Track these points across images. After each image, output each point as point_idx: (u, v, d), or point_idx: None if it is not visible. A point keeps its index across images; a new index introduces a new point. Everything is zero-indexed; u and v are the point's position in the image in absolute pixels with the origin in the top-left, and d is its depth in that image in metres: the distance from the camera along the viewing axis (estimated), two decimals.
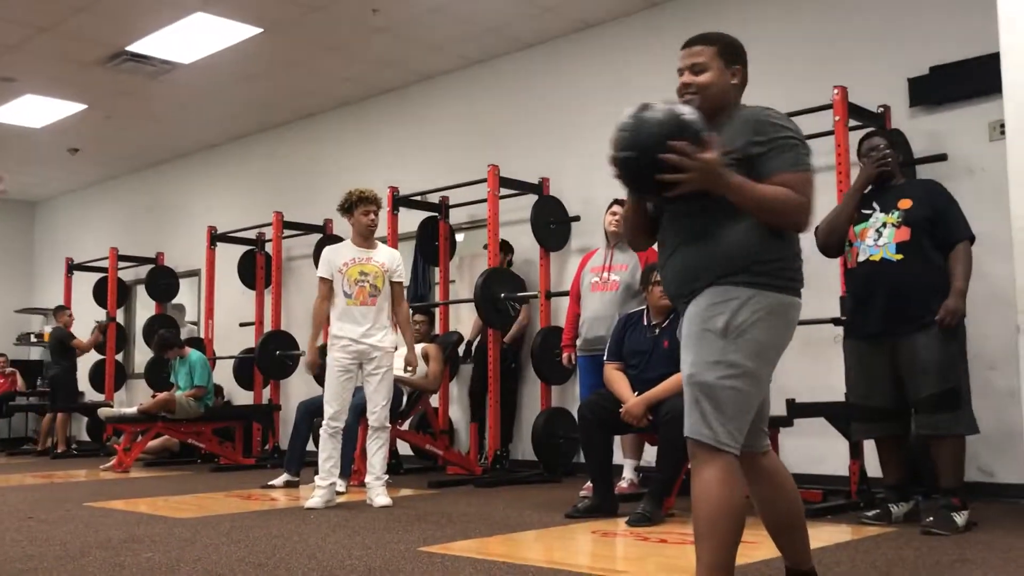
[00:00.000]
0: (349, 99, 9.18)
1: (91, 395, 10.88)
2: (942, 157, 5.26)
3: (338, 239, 7.73)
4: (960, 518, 4.05)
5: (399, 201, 7.60)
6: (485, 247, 7.09)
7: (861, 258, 4.39)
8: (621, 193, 5.62)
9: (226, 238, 9.49)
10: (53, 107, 9.26)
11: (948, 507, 4.07)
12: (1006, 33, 4.29)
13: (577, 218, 7.12)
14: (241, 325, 9.51)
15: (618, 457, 5.42)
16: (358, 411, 5.58)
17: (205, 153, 10.99)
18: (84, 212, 12.88)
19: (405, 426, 6.96)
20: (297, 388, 8.81)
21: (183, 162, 11.30)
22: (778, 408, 3.95)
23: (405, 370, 5.56)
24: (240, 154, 10.58)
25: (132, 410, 8.19)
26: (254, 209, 9.84)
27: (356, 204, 5.32)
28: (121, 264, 10.70)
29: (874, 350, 4.35)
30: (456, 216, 7.86)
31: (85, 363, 10.61)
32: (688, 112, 2.33)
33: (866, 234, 4.38)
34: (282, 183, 9.92)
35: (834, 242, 4.54)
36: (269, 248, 9.25)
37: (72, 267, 11.17)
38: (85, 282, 11.07)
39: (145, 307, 11.22)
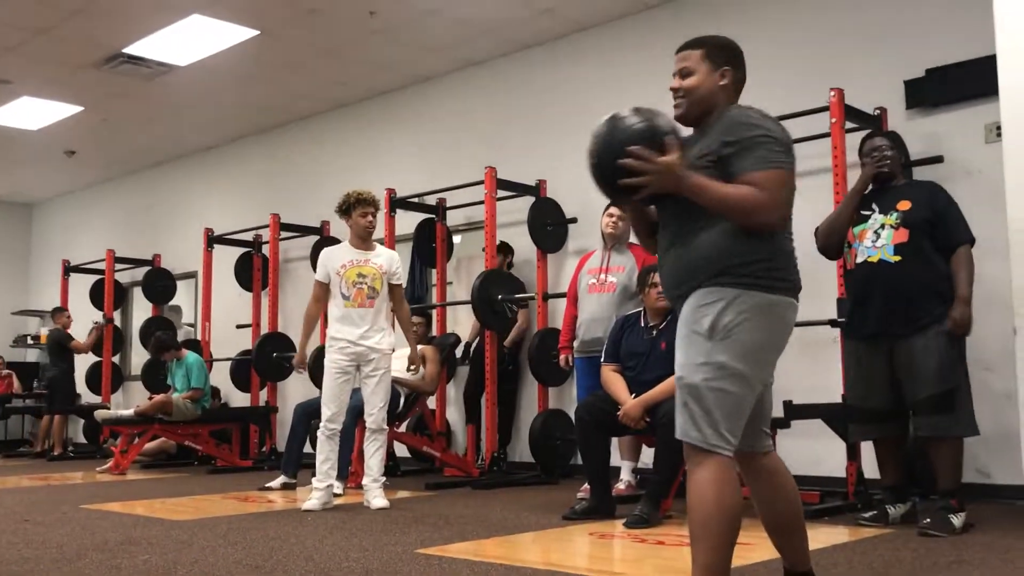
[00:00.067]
0: (346, 101, 9.18)
1: (88, 397, 10.86)
2: (938, 159, 5.27)
3: (335, 241, 7.73)
4: (957, 520, 4.05)
5: (396, 203, 7.60)
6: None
7: (859, 259, 4.39)
8: None
9: (223, 240, 9.49)
10: (50, 109, 9.26)
11: (945, 508, 4.07)
12: (1002, 35, 4.30)
13: (574, 220, 7.13)
14: (238, 327, 9.51)
15: (615, 459, 5.42)
16: (355, 413, 5.58)
17: (202, 155, 10.99)
18: (81, 214, 12.86)
19: (402, 428, 6.96)
20: (294, 390, 8.80)
21: (180, 164, 11.30)
22: (775, 410, 3.95)
23: (408, 368, 5.58)
24: (237, 156, 10.57)
25: (129, 412, 8.17)
26: (251, 211, 9.83)
27: (354, 206, 5.32)
28: (118, 266, 10.69)
29: (872, 351, 4.35)
30: (453, 218, 7.86)
31: (82, 365, 10.59)
32: (648, 118, 2.40)
33: (865, 235, 4.38)
34: (279, 185, 9.91)
35: (833, 244, 4.54)
36: (266, 250, 9.25)
37: (69, 269, 11.16)
38: (82, 284, 11.05)
39: (142, 309, 11.21)
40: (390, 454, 6.85)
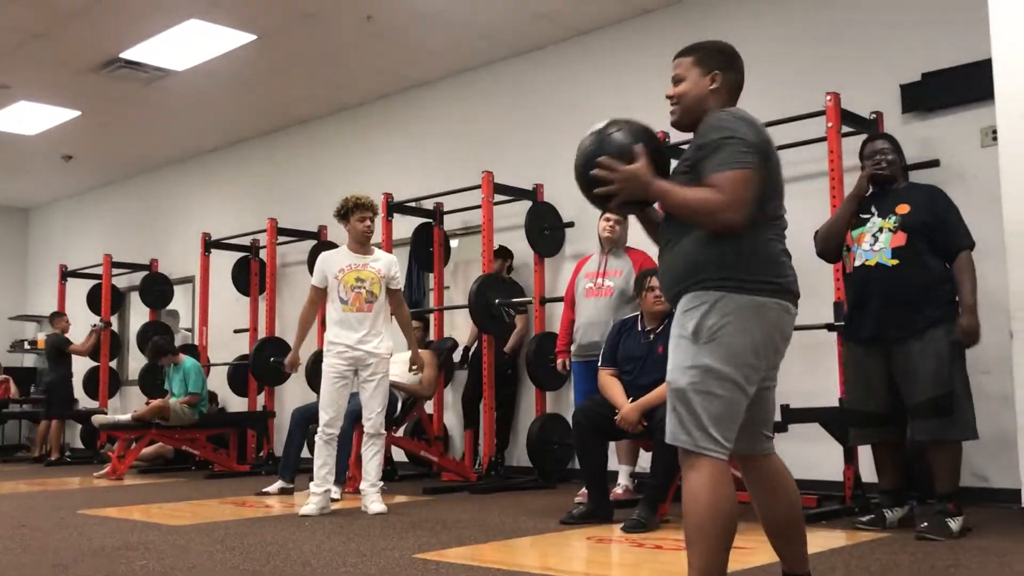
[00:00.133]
0: (343, 105, 9.18)
1: (85, 402, 10.85)
2: (934, 163, 5.28)
3: (332, 245, 7.72)
4: (955, 523, 4.05)
5: (394, 207, 7.61)
6: (494, 253, 7.09)
7: (857, 263, 4.39)
8: None
9: (220, 245, 9.49)
10: (47, 114, 9.25)
11: (943, 512, 4.07)
12: (998, 40, 4.32)
13: (571, 224, 7.13)
14: (235, 332, 9.50)
15: (613, 463, 5.42)
16: (353, 418, 5.58)
17: (199, 159, 10.99)
18: (78, 219, 12.86)
19: (400, 433, 6.95)
20: (292, 395, 8.80)
21: (177, 169, 11.29)
22: None
23: (410, 369, 5.60)
24: (234, 160, 10.57)
25: (126, 417, 8.17)
26: (248, 215, 9.84)
27: (352, 211, 5.33)
28: (115, 271, 10.68)
29: (870, 355, 4.35)
30: (451, 222, 7.87)
31: (79, 370, 10.59)
32: (620, 129, 2.50)
33: (863, 239, 4.38)
34: (276, 189, 9.91)
35: (831, 247, 4.55)
36: (263, 255, 9.25)
37: (66, 274, 11.15)
38: (79, 289, 11.04)
39: (139, 314, 11.20)
40: (388, 459, 6.85)
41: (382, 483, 5.33)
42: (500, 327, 6.81)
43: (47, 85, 8.50)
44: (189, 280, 10.58)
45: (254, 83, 8.50)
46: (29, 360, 13.04)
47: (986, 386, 4.82)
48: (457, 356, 7.56)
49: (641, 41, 7.02)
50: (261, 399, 9.01)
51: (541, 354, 6.60)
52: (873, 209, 4.41)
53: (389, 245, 7.42)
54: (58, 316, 10.48)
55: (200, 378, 8.22)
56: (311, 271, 5.82)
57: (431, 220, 7.78)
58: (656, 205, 2.57)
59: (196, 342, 9.67)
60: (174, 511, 5.54)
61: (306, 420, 6.34)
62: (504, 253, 7.33)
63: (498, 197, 7.01)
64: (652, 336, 4.78)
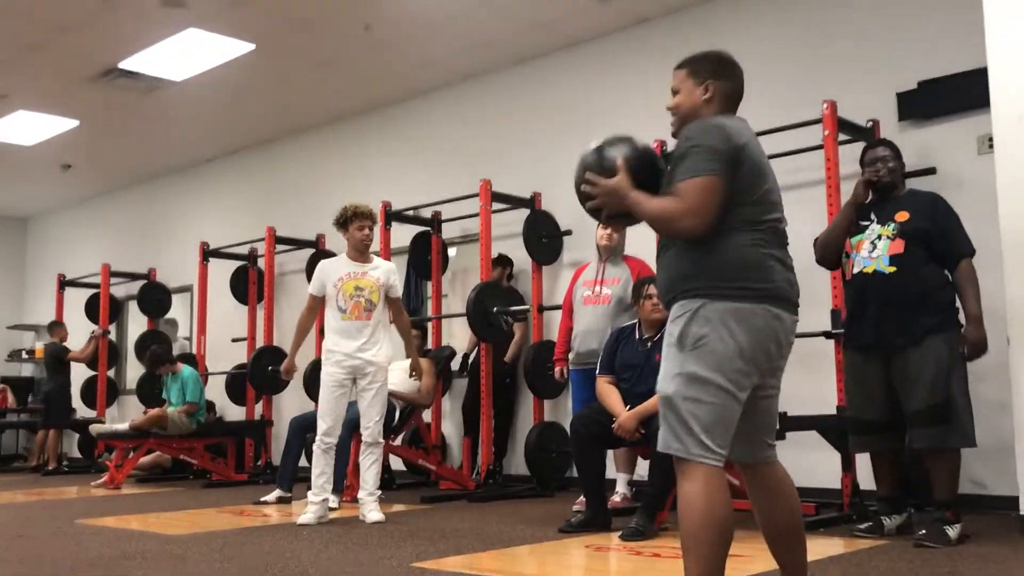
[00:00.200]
0: (341, 114, 9.20)
1: (82, 411, 10.83)
2: (931, 171, 5.29)
3: (331, 254, 7.73)
4: (953, 531, 4.05)
5: (392, 216, 7.61)
6: (493, 260, 7.10)
7: (856, 270, 4.40)
8: None
9: (218, 253, 9.49)
10: (45, 123, 9.26)
11: (941, 520, 4.07)
12: (993, 48, 4.33)
13: (569, 232, 7.14)
14: (233, 341, 9.50)
15: (611, 471, 5.41)
16: (351, 426, 5.58)
17: (197, 169, 10.99)
18: (76, 228, 12.86)
19: (397, 441, 6.95)
20: (289, 404, 8.79)
21: (175, 178, 11.30)
22: None
23: (411, 375, 5.60)
24: (232, 169, 10.58)
25: (124, 426, 8.15)
26: (246, 224, 9.84)
27: (351, 219, 5.33)
28: (113, 280, 10.68)
29: (869, 362, 4.35)
30: (449, 231, 7.87)
31: (77, 379, 10.57)
32: (607, 144, 2.56)
33: (862, 246, 4.39)
34: (274, 198, 9.92)
35: (830, 254, 4.55)
36: (261, 263, 9.25)
37: (64, 283, 11.15)
38: (77, 298, 11.04)
39: (137, 323, 11.20)
40: (385, 467, 6.84)
41: (380, 492, 5.33)
42: (498, 335, 6.81)
43: (46, 95, 8.51)
44: (187, 289, 10.58)
45: (252, 92, 8.51)
46: (27, 370, 13.02)
47: (983, 393, 4.82)
48: (456, 364, 7.57)
49: (639, 50, 7.04)
50: (259, 408, 9.00)
51: (539, 362, 6.60)
52: (872, 216, 4.41)
53: (387, 253, 7.42)
54: (57, 326, 10.48)
55: (198, 387, 8.21)
56: (309, 280, 5.82)
57: (429, 228, 7.78)
58: None
59: (194, 351, 9.67)
60: (172, 520, 5.53)
61: (304, 429, 6.33)
62: (504, 261, 7.33)
63: (496, 205, 7.02)
64: (650, 344, 4.79)
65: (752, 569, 3.42)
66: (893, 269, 4.25)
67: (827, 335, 5.07)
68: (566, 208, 7.15)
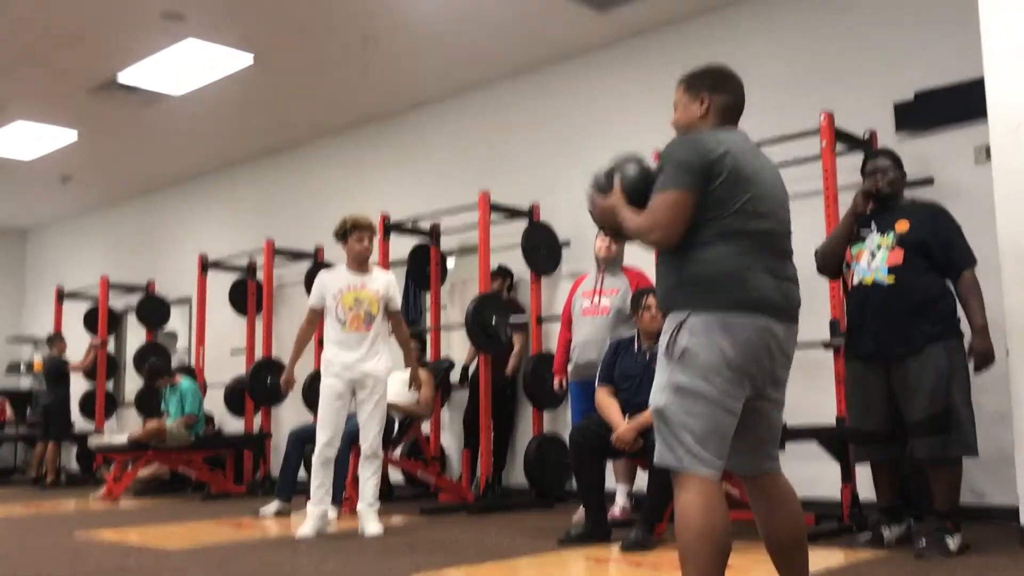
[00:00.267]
0: (340, 126, 9.21)
1: (81, 423, 10.81)
2: (928, 181, 5.31)
3: (329, 266, 7.73)
4: (953, 541, 4.04)
5: (390, 227, 7.62)
6: (492, 272, 7.12)
7: (855, 280, 4.40)
8: None
9: (217, 265, 9.49)
10: (45, 136, 9.27)
11: (941, 530, 4.06)
12: (990, 58, 4.35)
13: (567, 243, 7.15)
14: (232, 353, 9.48)
15: (611, 482, 5.40)
16: (350, 438, 5.57)
17: (196, 181, 11.00)
18: (75, 240, 12.86)
19: (396, 453, 6.94)
20: (288, 416, 8.78)
21: (174, 190, 11.31)
22: None
23: (410, 387, 5.60)
24: (231, 182, 10.60)
25: (122, 439, 8.14)
26: (245, 236, 9.84)
27: (350, 231, 5.33)
28: (112, 292, 10.66)
29: (869, 372, 4.35)
30: (447, 242, 7.88)
31: (76, 392, 10.55)
32: (612, 164, 2.66)
33: (861, 256, 4.39)
34: (273, 210, 9.93)
35: (831, 264, 4.56)
36: (260, 275, 9.25)
37: (63, 295, 11.14)
38: (76, 310, 11.04)
39: (136, 335, 11.19)
40: (384, 479, 6.83)
41: (379, 504, 5.31)
42: (497, 347, 6.81)
43: (44, 106, 8.53)
44: (186, 301, 10.57)
45: (251, 105, 8.53)
46: (26, 382, 12.99)
47: (983, 404, 4.81)
48: (456, 376, 7.56)
49: (636, 61, 7.06)
50: (258, 420, 8.98)
51: (538, 374, 6.60)
52: (873, 226, 4.41)
53: (386, 265, 7.42)
54: (57, 338, 10.46)
55: (197, 399, 8.20)
56: (308, 291, 5.83)
57: (428, 240, 7.79)
58: None
59: (193, 363, 9.65)
60: (170, 533, 5.52)
61: (302, 441, 6.32)
62: (504, 272, 7.34)
63: (494, 216, 7.03)
64: (648, 355, 4.79)
65: None
66: (892, 279, 4.25)
67: (826, 345, 5.07)
68: (565, 219, 7.16)
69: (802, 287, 2.61)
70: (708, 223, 2.42)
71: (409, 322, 7.77)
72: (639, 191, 2.55)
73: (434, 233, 7.79)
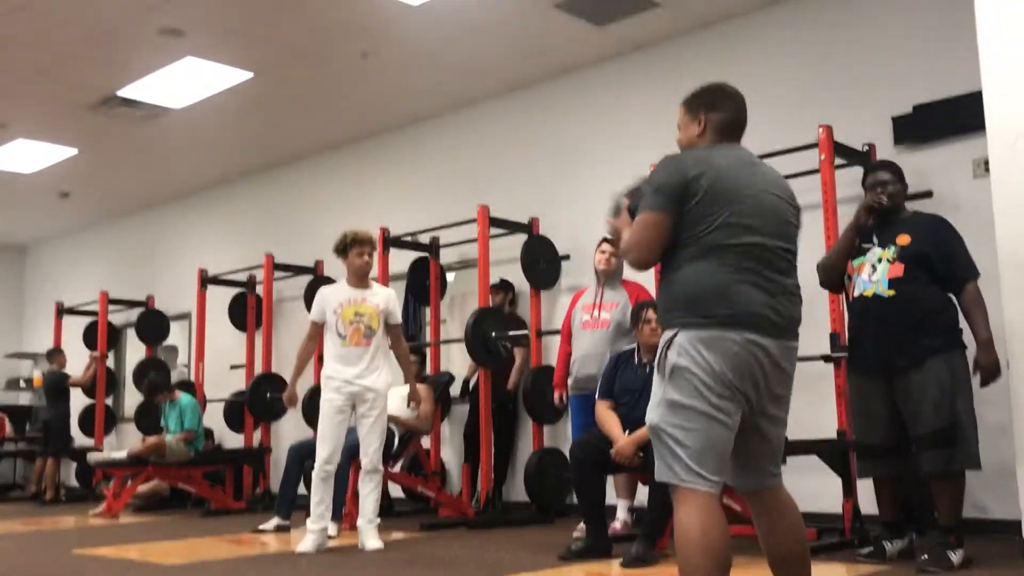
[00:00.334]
0: (339, 141, 9.23)
1: (80, 439, 10.79)
2: (927, 194, 5.31)
3: (329, 280, 7.73)
4: (956, 556, 4.02)
5: (390, 241, 7.62)
6: (493, 286, 7.12)
7: (856, 293, 4.40)
8: None
9: (217, 280, 9.49)
10: (44, 151, 9.28)
11: (944, 544, 4.04)
12: (987, 71, 4.35)
13: (567, 257, 7.15)
14: (232, 367, 9.48)
15: (611, 497, 5.39)
16: (350, 453, 5.56)
17: (196, 196, 11.01)
18: (75, 256, 12.86)
19: (396, 468, 6.92)
20: (288, 431, 8.76)
21: (174, 205, 11.32)
22: None
23: (408, 405, 5.59)
24: (230, 196, 10.60)
25: (122, 454, 8.12)
26: (245, 251, 9.85)
27: (351, 246, 5.33)
28: (111, 307, 10.66)
29: (871, 386, 4.33)
30: (447, 256, 7.88)
31: (75, 407, 10.53)
32: (624, 187, 2.76)
33: (862, 269, 4.39)
34: (273, 225, 9.94)
35: (832, 277, 4.56)
36: (260, 290, 9.25)
37: (62, 311, 11.13)
38: (75, 326, 11.03)
39: (135, 350, 11.18)
40: (384, 494, 6.81)
41: (379, 519, 5.29)
42: (497, 361, 6.80)
43: (44, 123, 8.54)
44: (186, 316, 10.57)
45: (251, 120, 8.55)
46: (25, 398, 12.97)
47: (984, 416, 4.80)
48: (456, 390, 7.55)
49: (633, 77, 7.08)
50: (257, 435, 8.97)
51: (538, 388, 6.58)
52: (874, 238, 4.41)
53: (385, 279, 7.43)
54: (57, 353, 10.45)
55: (196, 415, 8.18)
56: (308, 306, 5.82)
57: (427, 254, 7.79)
58: None
59: (192, 378, 9.64)
60: (170, 550, 5.50)
61: (302, 456, 6.31)
62: (506, 287, 7.34)
63: (494, 230, 7.03)
64: (649, 369, 4.77)
65: None
66: (892, 292, 4.25)
67: (826, 358, 5.07)
68: (564, 232, 7.17)
69: (804, 300, 2.61)
70: (691, 241, 2.46)
71: (409, 336, 7.77)
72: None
73: (433, 247, 7.79)
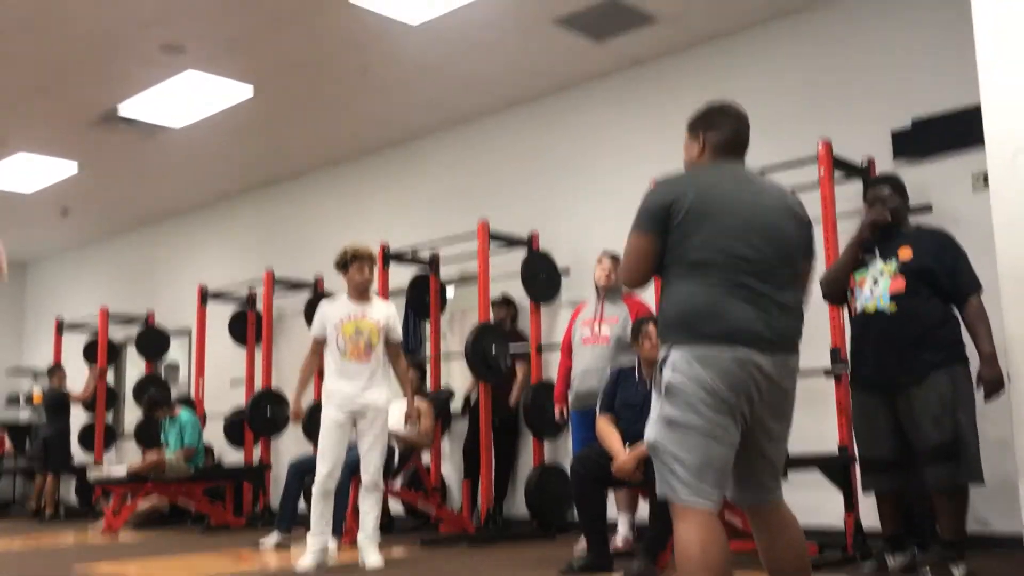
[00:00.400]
0: (339, 157, 9.25)
1: (80, 456, 10.76)
2: (927, 208, 5.32)
3: (330, 296, 7.72)
4: (958, 570, 4.01)
5: (390, 257, 7.63)
6: (495, 301, 7.11)
7: (858, 307, 4.40)
8: (610, 245, 5.62)
9: (217, 296, 9.50)
10: (44, 168, 9.29)
11: (946, 559, 4.03)
12: (986, 85, 4.36)
13: (567, 271, 7.16)
14: (232, 384, 9.46)
15: (613, 512, 5.37)
16: (351, 469, 5.54)
17: (196, 212, 11.03)
18: (75, 272, 12.87)
19: (397, 483, 6.90)
20: (288, 447, 8.74)
21: (174, 221, 11.34)
22: None
23: (406, 423, 5.57)
24: (230, 212, 10.62)
25: (121, 471, 8.10)
26: (245, 267, 9.86)
27: (351, 261, 5.33)
28: (112, 323, 10.65)
29: (874, 400, 4.32)
30: (447, 271, 7.88)
31: (75, 423, 10.52)
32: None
33: (864, 283, 4.39)
34: (273, 240, 9.95)
35: (834, 291, 4.55)
36: (260, 306, 9.25)
37: (62, 327, 11.13)
38: (75, 342, 11.02)
39: (136, 366, 11.17)
40: (384, 510, 6.79)
41: (379, 536, 5.28)
42: (497, 376, 6.79)
43: (45, 138, 8.56)
44: (186, 332, 10.56)
45: (251, 136, 8.57)
46: (24, 415, 12.94)
47: (985, 430, 4.79)
48: (457, 405, 7.54)
49: (632, 93, 7.10)
50: (258, 451, 8.95)
51: (538, 403, 6.57)
52: (876, 252, 4.41)
53: (385, 294, 7.43)
54: (57, 369, 10.45)
55: (196, 431, 8.17)
56: (308, 322, 5.82)
57: (428, 269, 7.79)
58: None
59: (192, 394, 9.63)
60: (170, 566, 5.48)
61: (302, 472, 6.29)
62: (508, 302, 7.33)
63: (494, 245, 7.04)
64: (649, 383, 4.77)
65: None
66: (894, 307, 4.24)
67: (827, 373, 5.06)
68: (564, 247, 7.17)
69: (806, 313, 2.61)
70: (679, 260, 2.50)
71: (408, 351, 7.76)
72: None
73: (433, 262, 7.79)
